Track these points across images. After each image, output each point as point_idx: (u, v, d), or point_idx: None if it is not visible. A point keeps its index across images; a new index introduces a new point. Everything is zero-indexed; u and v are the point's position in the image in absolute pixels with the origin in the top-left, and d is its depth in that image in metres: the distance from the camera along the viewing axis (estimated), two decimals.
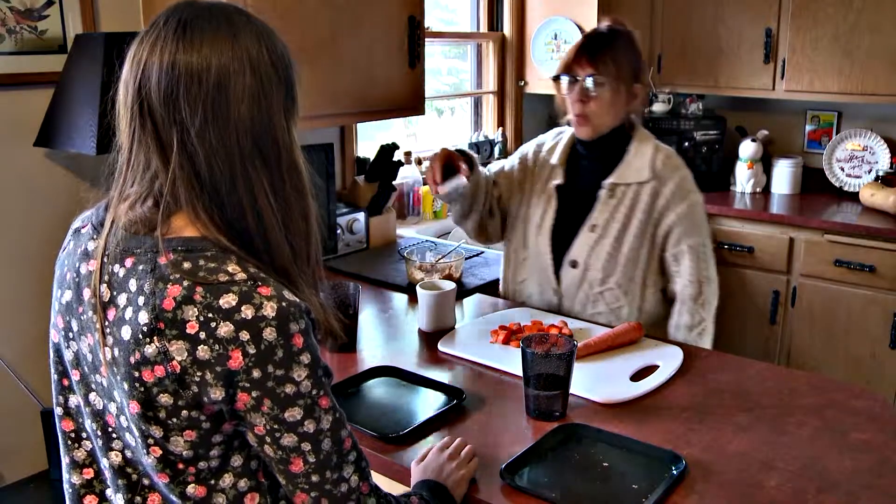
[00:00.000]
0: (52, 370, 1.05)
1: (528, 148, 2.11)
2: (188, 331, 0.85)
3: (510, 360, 1.64)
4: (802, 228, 3.14)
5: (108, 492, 1.02)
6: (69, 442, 1.05)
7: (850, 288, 3.05)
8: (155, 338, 0.86)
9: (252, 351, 0.86)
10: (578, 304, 1.95)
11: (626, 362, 1.65)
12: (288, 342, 0.87)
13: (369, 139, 3.09)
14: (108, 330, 0.91)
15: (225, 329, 0.85)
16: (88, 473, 1.04)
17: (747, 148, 3.56)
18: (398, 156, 2.83)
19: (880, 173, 3.32)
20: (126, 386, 0.89)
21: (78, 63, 1.92)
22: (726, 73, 3.43)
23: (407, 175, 3.08)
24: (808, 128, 3.63)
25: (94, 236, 0.99)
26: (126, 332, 0.89)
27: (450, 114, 3.76)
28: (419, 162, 3.31)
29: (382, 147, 2.76)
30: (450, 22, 3.64)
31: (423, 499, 1.12)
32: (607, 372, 1.61)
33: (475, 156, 1.99)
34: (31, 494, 1.95)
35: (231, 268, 0.88)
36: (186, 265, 0.88)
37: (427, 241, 2.70)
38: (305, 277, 0.97)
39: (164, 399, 0.88)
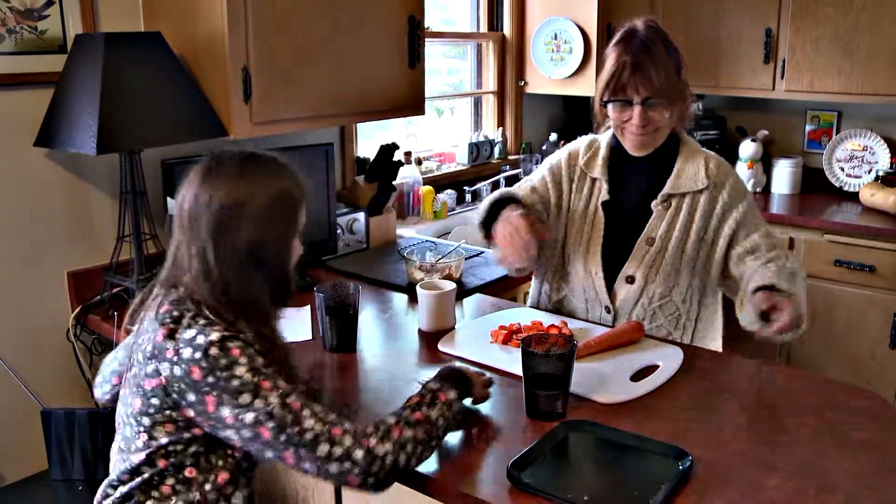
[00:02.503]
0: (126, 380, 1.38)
1: (556, 162, 1.94)
2: (168, 356, 1.23)
3: (510, 360, 1.64)
4: (802, 228, 3.14)
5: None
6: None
7: (850, 288, 3.05)
8: (153, 360, 1.25)
9: (205, 364, 1.20)
10: (635, 319, 1.84)
11: (626, 362, 1.65)
12: (228, 353, 1.21)
13: (369, 139, 3.09)
14: (134, 357, 1.31)
15: (187, 352, 1.21)
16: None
17: (747, 148, 3.56)
18: (398, 156, 2.83)
19: (880, 173, 3.33)
20: (134, 390, 1.29)
21: (78, 63, 1.92)
22: (726, 73, 3.43)
23: (407, 175, 3.08)
24: (808, 128, 3.63)
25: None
26: (141, 357, 1.28)
27: (450, 114, 3.76)
28: (419, 162, 3.31)
29: (382, 147, 2.76)
30: (450, 22, 3.64)
31: (432, 388, 1.32)
32: (607, 372, 1.61)
33: (513, 192, 1.84)
34: (31, 494, 1.95)
35: (200, 317, 1.26)
36: (175, 313, 1.27)
37: (427, 241, 2.70)
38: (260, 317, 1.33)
39: (154, 401, 1.25)
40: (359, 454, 1.17)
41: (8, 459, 2.09)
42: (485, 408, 1.48)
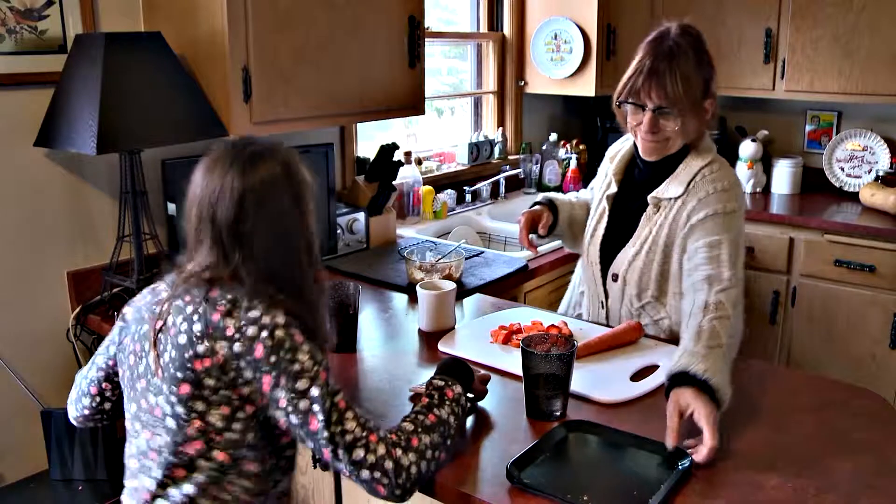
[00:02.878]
0: (124, 382, 1.37)
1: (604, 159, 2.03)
2: (227, 333, 1.21)
3: (510, 360, 1.64)
4: (802, 228, 3.14)
5: None
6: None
7: (850, 288, 3.05)
8: (205, 339, 1.22)
9: (269, 343, 1.20)
10: (624, 318, 1.86)
11: (626, 362, 1.65)
12: (292, 338, 1.22)
13: (369, 139, 3.09)
14: (164, 344, 1.26)
15: (251, 330, 1.21)
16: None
17: (747, 148, 3.56)
18: (398, 156, 2.83)
19: (880, 173, 3.33)
20: (180, 375, 1.23)
21: (78, 63, 1.92)
22: (726, 73, 3.42)
23: (407, 175, 3.08)
24: (808, 128, 3.63)
25: (166, 290, 1.34)
26: (182, 339, 1.23)
27: (450, 114, 3.76)
28: (419, 162, 3.31)
29: (382, 147, 2.76)
30: (450, 22, 3.63)
31: (438, 386, 1.35)
32: (607, 372, 1.61)
33: (555, 196, 2.04)
34: (31, 494, 1.95)
35: (257, 301, 1.24)
36: (230, 296, 1.25)
37: (427, 241, 2.70)
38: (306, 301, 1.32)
39: (209, 382, 1.22)
40: (389, 465, 1.19)
41: (8, 459, 2.09)
42: (485, 408, 1.48)
